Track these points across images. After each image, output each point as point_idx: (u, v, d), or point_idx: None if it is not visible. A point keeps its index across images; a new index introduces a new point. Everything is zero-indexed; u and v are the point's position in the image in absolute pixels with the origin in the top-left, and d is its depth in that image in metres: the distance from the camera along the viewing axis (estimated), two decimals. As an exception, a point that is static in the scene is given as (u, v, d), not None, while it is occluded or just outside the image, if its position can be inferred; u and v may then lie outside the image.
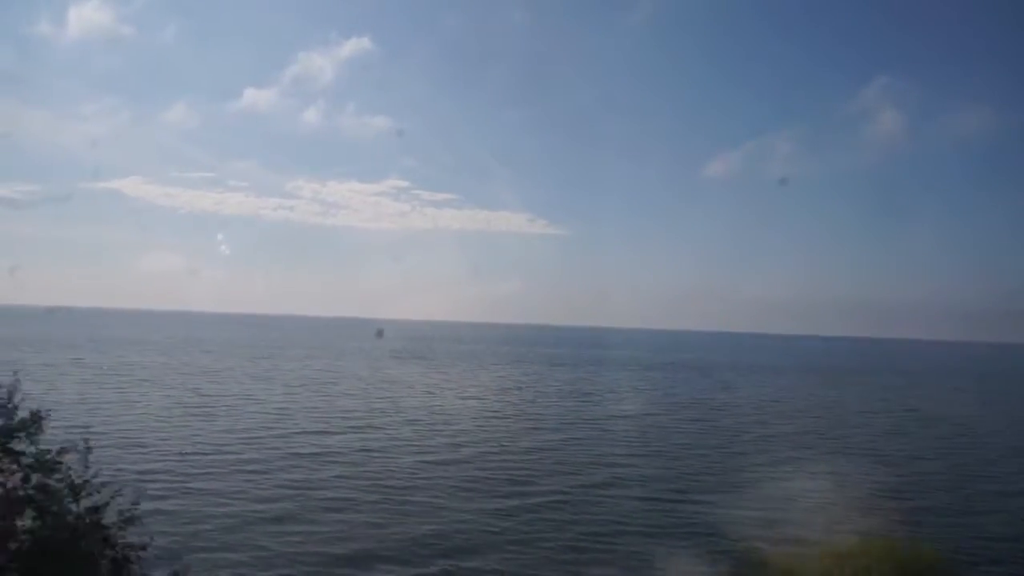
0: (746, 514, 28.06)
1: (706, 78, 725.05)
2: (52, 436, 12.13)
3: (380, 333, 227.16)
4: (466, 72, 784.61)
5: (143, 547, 11.93)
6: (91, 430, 42.17)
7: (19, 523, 11.17)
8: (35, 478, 11.40)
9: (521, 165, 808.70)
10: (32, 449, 11.75)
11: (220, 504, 27.99)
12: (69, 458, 11.85)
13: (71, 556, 11.08)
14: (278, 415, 53.16)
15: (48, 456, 11.61)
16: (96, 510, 11.64)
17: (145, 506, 13.25)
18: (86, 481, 11.67)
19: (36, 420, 12.05)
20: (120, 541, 11.73)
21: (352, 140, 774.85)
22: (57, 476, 11.55)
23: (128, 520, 11.92)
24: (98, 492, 11.82)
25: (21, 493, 11.32)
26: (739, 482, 34.75)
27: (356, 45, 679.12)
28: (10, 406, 12.01)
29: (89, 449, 12.03)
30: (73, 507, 11.46)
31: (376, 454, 39.49)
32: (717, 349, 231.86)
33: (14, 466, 11.56)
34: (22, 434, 11.84)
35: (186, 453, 37.44)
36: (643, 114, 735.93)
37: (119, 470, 31.78)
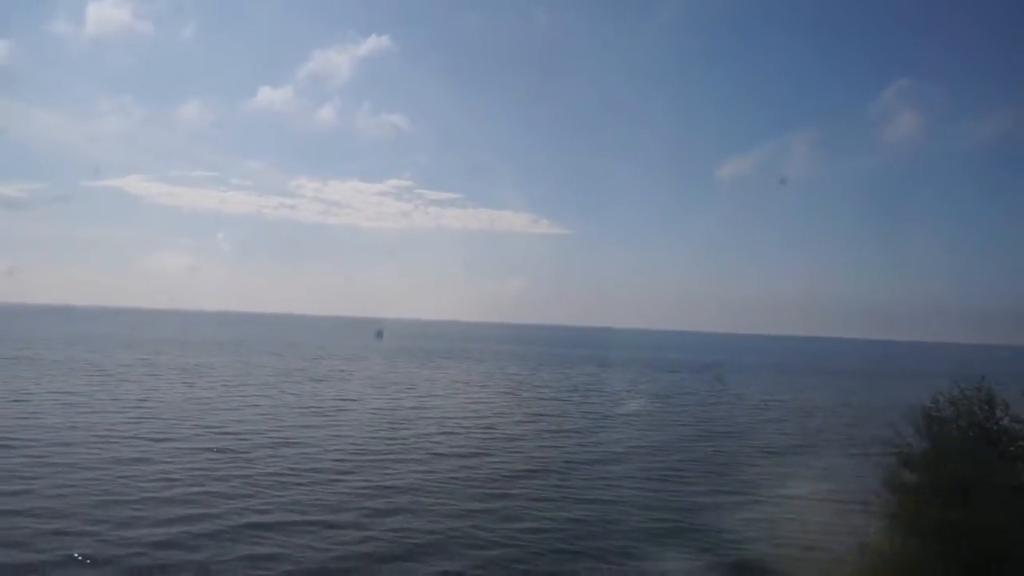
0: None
1: (720, 80, 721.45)
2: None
3: (380, 334, 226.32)
4: (476, 71, 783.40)
5: None
6: (269, 434, 43.14)
7: None
8: None
9: (524, 165, 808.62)
10: None
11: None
12: None
13: None
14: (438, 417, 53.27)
15: None
16: None
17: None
18: None
19: None
20: None
21: (357, 139, 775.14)
22: None
23: None
24: None
25: None
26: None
27: (375, 43, 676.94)
28: None
29: None
30: None
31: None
32: (733, 351, 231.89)
33: None
34: None
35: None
36: (654, 116, 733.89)
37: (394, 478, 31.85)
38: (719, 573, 22.45)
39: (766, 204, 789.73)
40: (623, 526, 26.94)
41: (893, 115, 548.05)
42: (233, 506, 27.45)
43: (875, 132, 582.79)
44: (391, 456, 38.89)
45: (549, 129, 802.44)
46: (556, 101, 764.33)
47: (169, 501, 27.73)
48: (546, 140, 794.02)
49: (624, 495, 31.78)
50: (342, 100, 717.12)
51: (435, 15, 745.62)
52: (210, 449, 38.53)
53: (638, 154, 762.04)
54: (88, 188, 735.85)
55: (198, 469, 33.61)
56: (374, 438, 44.36)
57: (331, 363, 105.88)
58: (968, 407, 16.06)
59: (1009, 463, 14.23)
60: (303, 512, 27.10)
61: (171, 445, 39.11)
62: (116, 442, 39.51)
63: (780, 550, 24.06)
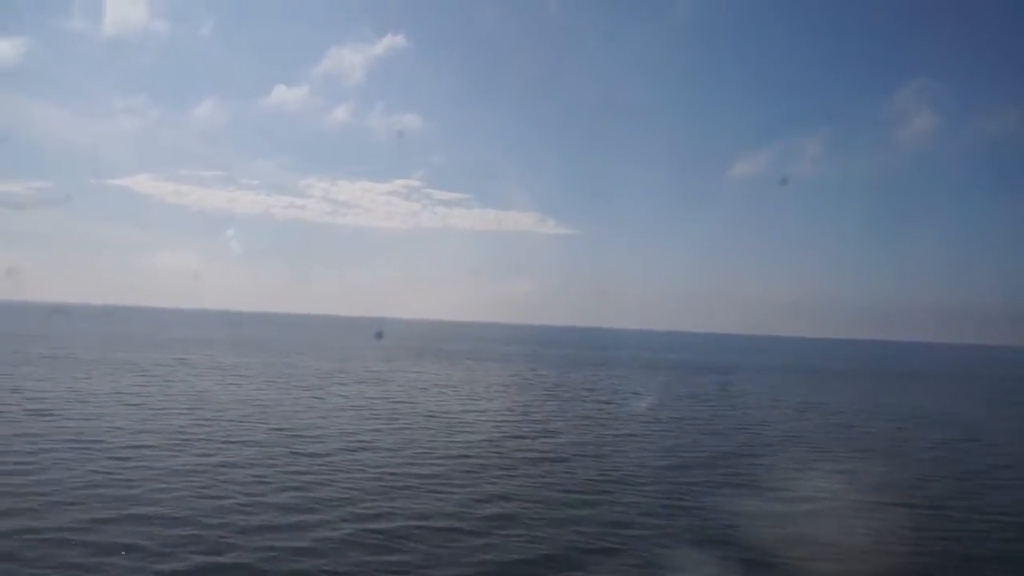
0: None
1: (732, 79, 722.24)
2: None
3: (379, 335, 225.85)
4: (486, 69, 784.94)
5: None
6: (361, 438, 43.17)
7: None
8: None
9: (531, 164, 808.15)
10: None
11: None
12: None
13: None
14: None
15: None
16: None
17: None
18: None
19: None
20: None
21: (368, 139, 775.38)
22: None
23: None
24: None
25: None
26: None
27: (390, 42, 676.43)
28: None
29: None
30: None
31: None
32: (749, 352, 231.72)
33: None
34: None
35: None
36: (664, 115, 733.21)
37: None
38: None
39: (778, 204, 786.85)
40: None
41: (909, 114, 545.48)
42: (350, 511, 27.30)
43: (890, 131, 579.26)
44: (472, 460, 38.73)
45: (557, 128, 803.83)
46: (564, 100, 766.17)
47: (283, 507, 27.56)
48: (554, 139, 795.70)
49: (716, 503, 31.56)
50: (356, 100, 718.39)
51: (451, 12, 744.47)
52: (291, 453, 38.38)
53: (647, 154, 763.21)
54: (95, 187, 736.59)
55: (291, 473, 33.46)
56: (451, 442, 44.16)
57: (363, 363, 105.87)
58: None
59: None
60: (423, 518, 26.93)
61: (253, 449, 38.93)
62: (192, 444, 39.40)
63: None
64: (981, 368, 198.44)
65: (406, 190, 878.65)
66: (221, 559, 21.74)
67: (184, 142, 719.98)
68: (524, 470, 36.88)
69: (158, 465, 33.60)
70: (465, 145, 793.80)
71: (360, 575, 21.14)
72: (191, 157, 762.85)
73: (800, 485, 35.33)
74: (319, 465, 35.39)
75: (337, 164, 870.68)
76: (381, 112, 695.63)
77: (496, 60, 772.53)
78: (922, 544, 26.43)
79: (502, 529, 26.18)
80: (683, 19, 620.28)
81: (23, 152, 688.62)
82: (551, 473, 36.42)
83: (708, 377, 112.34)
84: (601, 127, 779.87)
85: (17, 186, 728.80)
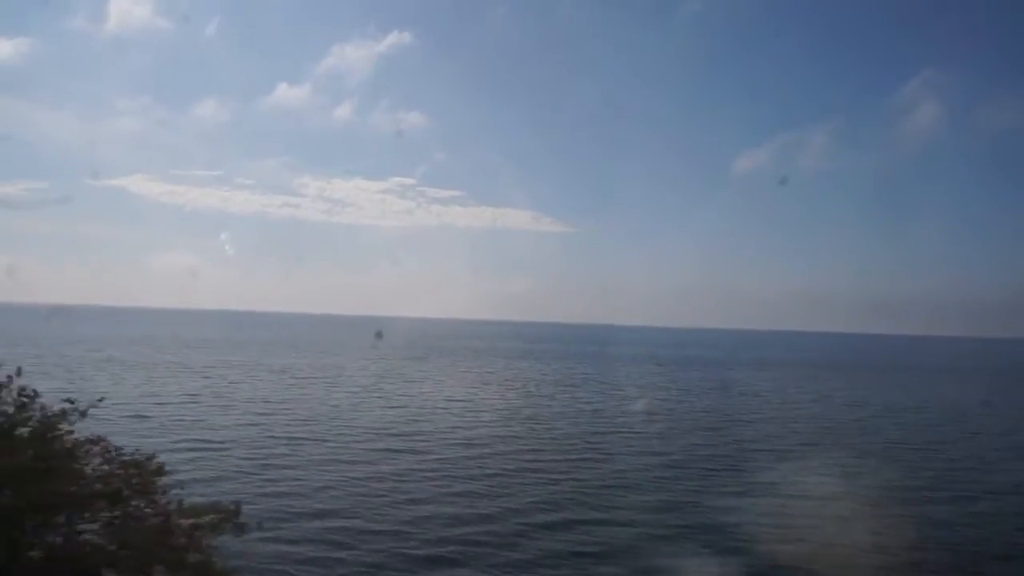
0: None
1: (737, 75, 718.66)
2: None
3: (379, 335, 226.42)
4: (484, 68, 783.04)
5: None
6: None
7: None
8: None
9: (527, 162, 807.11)
10: None
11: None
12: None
13: None
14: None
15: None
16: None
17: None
18: None
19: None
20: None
21: (366, 137, 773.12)
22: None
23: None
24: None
25: None
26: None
27: (395, 40, 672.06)
28: None
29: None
30: None
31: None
32: (753, 347, 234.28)
33: None
34: None
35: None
36: (664, 112, 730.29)
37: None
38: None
39: (783, 198, 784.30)
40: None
41: (915, 106, 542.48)
42: (508, 504, 29.58)
43: (896, 124, 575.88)
44: (572, 454, 41.19)
45: (554, 127, 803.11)
46: (562, 98, 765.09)
47: (439, 499, 29.84)
48: (550, 138, 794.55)
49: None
50: (359, 97, 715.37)
51: (454, 10, 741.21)
52: (406, 451, 40.41)
53: (649, 151, 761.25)
54: (92, 187, 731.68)
55: (422, 470, 35.66)
56: (539, 438, 46.45)
57: (399, 363, 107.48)
58: None
59: None
60: (569, 509, 29.33)
61: (367, 446, 41.15)
62: (310, 443, 41.40)
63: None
64: None
65: (401, 188, 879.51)
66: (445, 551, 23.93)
67: (183, 142, 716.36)
68: (627, 462, 39.22)
69: (300, 463, 35.81)
70: (463, 143, 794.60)
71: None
72: (189, 157, 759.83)
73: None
74: (440, 463, 37.56)
75: (333, 162, 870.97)
76: (384, 110, 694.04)
77: (495, 58, 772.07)
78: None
79: (647, 518, 28.50)
80: (688, 15, 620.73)
81: (21, 153, 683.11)
82: (656, 466, 38.79)
83: (733, 371, 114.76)
84: (601, 125, 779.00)
85: (14, 188, 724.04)
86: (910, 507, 30.97)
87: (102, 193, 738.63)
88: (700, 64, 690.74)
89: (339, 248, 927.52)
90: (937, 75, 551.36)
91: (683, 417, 58.85)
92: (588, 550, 24.38)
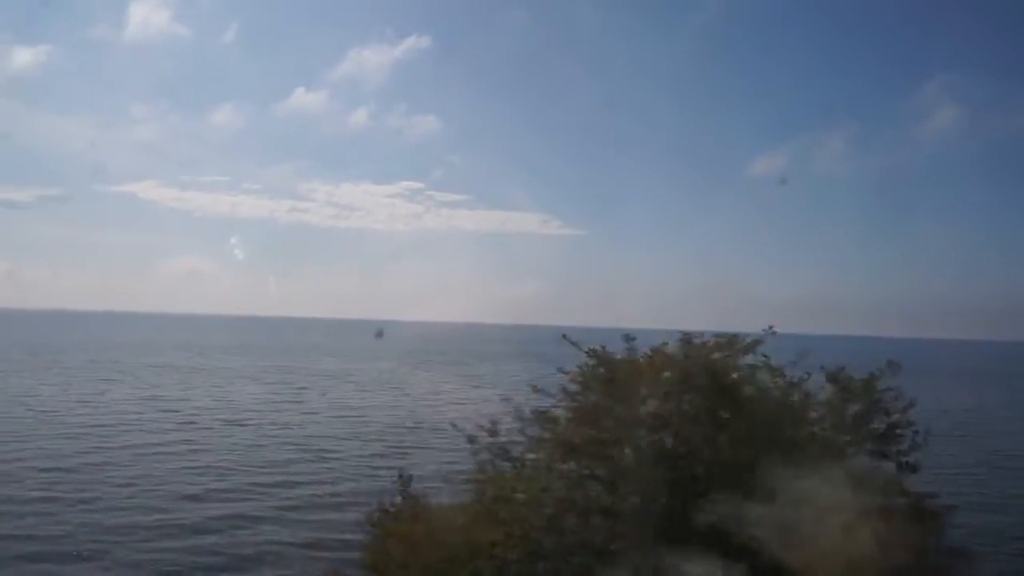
0: None
1: (751, 78, 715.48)
2: None
3: (380, 334, 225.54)
4: (498, 72, 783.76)
5: None
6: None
7: None
8: None
9: (535, 166, 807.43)
10: None
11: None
12: None
13: None
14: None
15: None
16: None
17: None
18: None
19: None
20: None
21: (380, 142, 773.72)
22: None
23: None
24: None
25: None
26: None
27: (412, 43, 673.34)
28: None
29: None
30: None
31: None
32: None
33: None
34: None
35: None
36: (677, 114, 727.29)
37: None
38: None
39: (797, 202, 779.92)
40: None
41: (933, 110, 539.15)
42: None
43: (913, 127, 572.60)
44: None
45: (562, 129, 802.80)
46: (571, 101, 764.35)
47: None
48: (559, 140, 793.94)
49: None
50: (374, 102, 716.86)
51: (472, 13, 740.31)
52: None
53: (659, 155, 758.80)
54: (100, 193, 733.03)
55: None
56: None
57: (444, 368, 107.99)
58: None
59: None
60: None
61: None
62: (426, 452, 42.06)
63: None
64: None
65: (409, 192, 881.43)
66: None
67: (195, 148, 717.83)
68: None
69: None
70: (472, 147, 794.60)
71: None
72: (201, 163, 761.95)
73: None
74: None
75: (344, 167, 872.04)
76: (398, 115, 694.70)
77: (506, 61, 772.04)
78: None
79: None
80: (701, 18, 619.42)
81: (34, 159, 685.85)
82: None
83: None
84: (612, 128, 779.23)
85: (26, 194, 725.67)
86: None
87: (112, 199, 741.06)
88: (713, 67, 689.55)
89: (348, 252, 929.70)
90: (955, 78, 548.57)
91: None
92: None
